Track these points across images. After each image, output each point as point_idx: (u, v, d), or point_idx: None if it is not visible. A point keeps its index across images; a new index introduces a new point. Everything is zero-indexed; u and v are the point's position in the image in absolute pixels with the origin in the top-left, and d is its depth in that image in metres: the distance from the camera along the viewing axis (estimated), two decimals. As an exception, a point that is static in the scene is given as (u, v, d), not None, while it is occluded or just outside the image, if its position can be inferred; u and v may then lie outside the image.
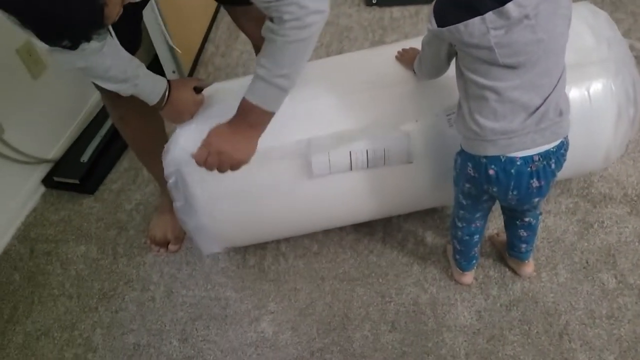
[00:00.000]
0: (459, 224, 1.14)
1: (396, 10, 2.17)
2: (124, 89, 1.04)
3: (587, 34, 1.15)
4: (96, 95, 1.92)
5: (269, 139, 1.14)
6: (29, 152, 1.63)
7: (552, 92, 0.89)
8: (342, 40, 2.09)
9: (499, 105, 0.90)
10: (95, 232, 1.56)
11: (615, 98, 1.12)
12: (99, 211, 1.62)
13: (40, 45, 0.91)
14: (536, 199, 1.01)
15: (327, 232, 1.42)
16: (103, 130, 1.79)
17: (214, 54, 2.16)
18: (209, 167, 1.03)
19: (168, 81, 1.12)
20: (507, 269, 1.27)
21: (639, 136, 1.47)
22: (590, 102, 1.12)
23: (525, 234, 1.15)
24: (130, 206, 1.61)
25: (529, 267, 1.23)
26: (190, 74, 2.04)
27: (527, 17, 0.82)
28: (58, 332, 1.34)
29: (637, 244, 1.27)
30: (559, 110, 0.92)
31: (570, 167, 1.02)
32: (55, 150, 1.76)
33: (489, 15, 0.83)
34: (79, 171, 1.67)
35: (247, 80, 0.99)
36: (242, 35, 1.56)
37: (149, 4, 1.22)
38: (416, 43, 1.20)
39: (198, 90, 1.18)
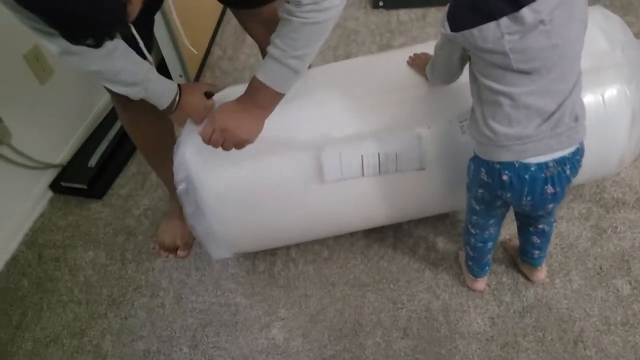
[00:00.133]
0: (472, 231, 1.14)
1: (403, 13, 2.16)
2: (135, 93, 1.04)
3: (601, 38, 1.14)
4: (103, 100, 1.92)
5: (280, 143, 1.14)
6: (36, 157, 1.63)
7: (567, 97, 0.88)
8: (349, 44, 2.08)
9: (513, 110, 0.89)
10: (104, 237, 1.55)
11: (630, 103, 1.11)
12: (107, 216, 1.61)
13: (50, 48, 0.91)
14: (551, 205, 1.00)
15: (337, 238, 1.41)
16: (111, 135, 1.78)
17: (221, 57, 2.15)
18: (214, 144, 1.03)
19: (179, 85, 1.12)
20: (519, 275, 1.26)
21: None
22: (605, 107, 1.11)
23: (538, 240, 1.14)
24: (139, 211, 1.61)
25: (541, 273, 1.22)
26: (197, 77, 2.04)
27: (542, 22, 0.81)
28: (67, 338, 1.33)
29: (651, 249, 1.27)
30: (575, 116, 0.91)
31: (584, 172, 1.01)
32: (62, 155, 1.75)
33: (504, 21, 0.82)
34: (86, 176, 1.66)
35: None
36: (249, 39, 1.56)
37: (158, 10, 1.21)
38: (426, 48, 1.20)
39: (209, 95, 1.17)
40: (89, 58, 0.94)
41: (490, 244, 1.15)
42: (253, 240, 1.29)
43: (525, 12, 0.80)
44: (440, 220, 1.41)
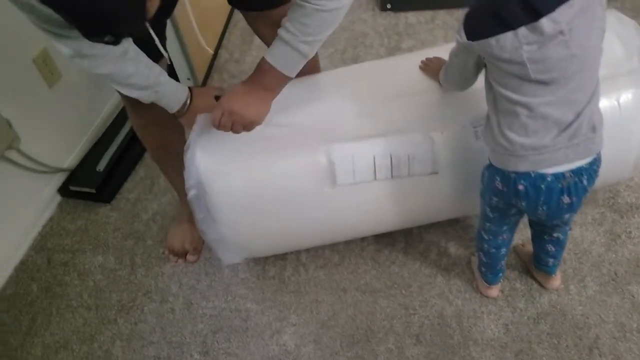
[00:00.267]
0: (485, 237, 1.12)
1: (411, 16, 2.15)
2: (146, 96, 1.04)
3: (616, 44, 1.13)
4: (111, 103, 1.92)
5: (293, 145, 1.13)
6: (44, 161, 1.62)
7: (585, 107, 0.87)
8: (357, 46, 2.07)
9: (530, 120, 0.87)
10: (112, 242, 1.55)
11: (646, 108, 1.10)
12: (116, 221, 1.60)
13: (61, 50, 0.90)
14: (567, 215, 0.99)
15: (347, 243, 1.40)
16: (119, 139, 1.78)
17: (228, 60, 2.15)
18: (224, 128, 1.05)
19: (190, 89, 1.11)
20: (533, 281, 1.25)
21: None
22: (620, 111, 1.10)
23: (553, 248, 1.13)
24: (147, 216, 1.60)
25: (555, 281, 1.21)
26: (205, 80, 2.03)
27: (561, 32, 0.79)
28: (77, 344, 1.32)
29: (665, 255, 1.25)
30: (593, 126, 0.89)
31: (599, 177, 0.99)
32: (71, 159, 1.75)
33: (522, 30, 0.80)
34: (95, 180, 1.66)
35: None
36: (256, 42, 1.55)
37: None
38: (439, 52, 1.19)
39: (218, 99, 1.17)
40: (100, 61, 0.94)
41: (503, 250, 1.14)
42: (264, 245, 1.28)
43: (544, 22, 0.78)
44: (451, 225, 1.40)
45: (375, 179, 1.13)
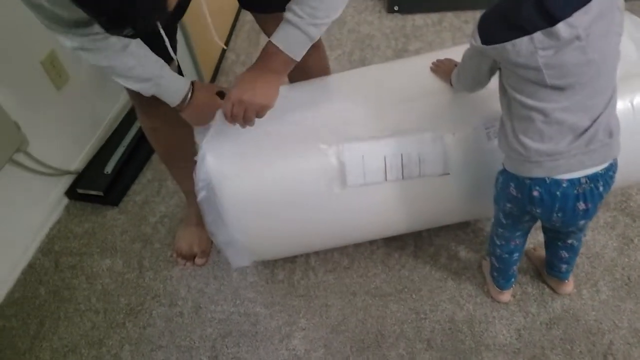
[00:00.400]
0: (498, 242, 1.11)
1: (418, 18, 2.14)
2: (147, 88, 1.03)
3: (630, 47, 1.12)
4: (119, 105, 1.91)
5: (303, 147, 1.12)
6: (52, 164, 1.62)
7: (602, 113, 0.86)
8: (364, 49, 2.07)
9: (546, 126, 0.86)
10: (120, 245, 1.54)
11: (660, 110, 1.09)
12: (124, 223, 1.60)
13: (64, 43, 0.90)
14: (582, 222, 0.98)
15: (357, 246, 1.39)
16: (126, 141, 1.77)
17: (235, 62, 2.14)
18: (236, 118, 1.04)
19: (192, 82, 1.10)
20: (545, 286, 1.24)
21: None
22: (634, 113, 1.09)
23: (566, 255, 1.11)
24: (155, 219, 1.59)
25: (568, 287, 1.20)
26: (211, 82, 2.02)
27: (578, 38, 0.78)
28: (85, 348, 1.32)
29: (679, 259, 1.24)
30: (609, 132, 0.88)
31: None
32: (78, 161, 1.74)
33: (538, 35, 0.79)
34: (103, 182, 1.65)
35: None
36: (262, 43, 1.54)
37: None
38: (449, 53, 1.19)
39: (221, 95, 1.16)
40: (102, 53, 0.93)
41: (516, 255, 1.13)
42: (273, 248, 1.28)
43: (561, 27, 0.77)
44: (461, 229, 1.39)
45: (386, 179, 1.12)
